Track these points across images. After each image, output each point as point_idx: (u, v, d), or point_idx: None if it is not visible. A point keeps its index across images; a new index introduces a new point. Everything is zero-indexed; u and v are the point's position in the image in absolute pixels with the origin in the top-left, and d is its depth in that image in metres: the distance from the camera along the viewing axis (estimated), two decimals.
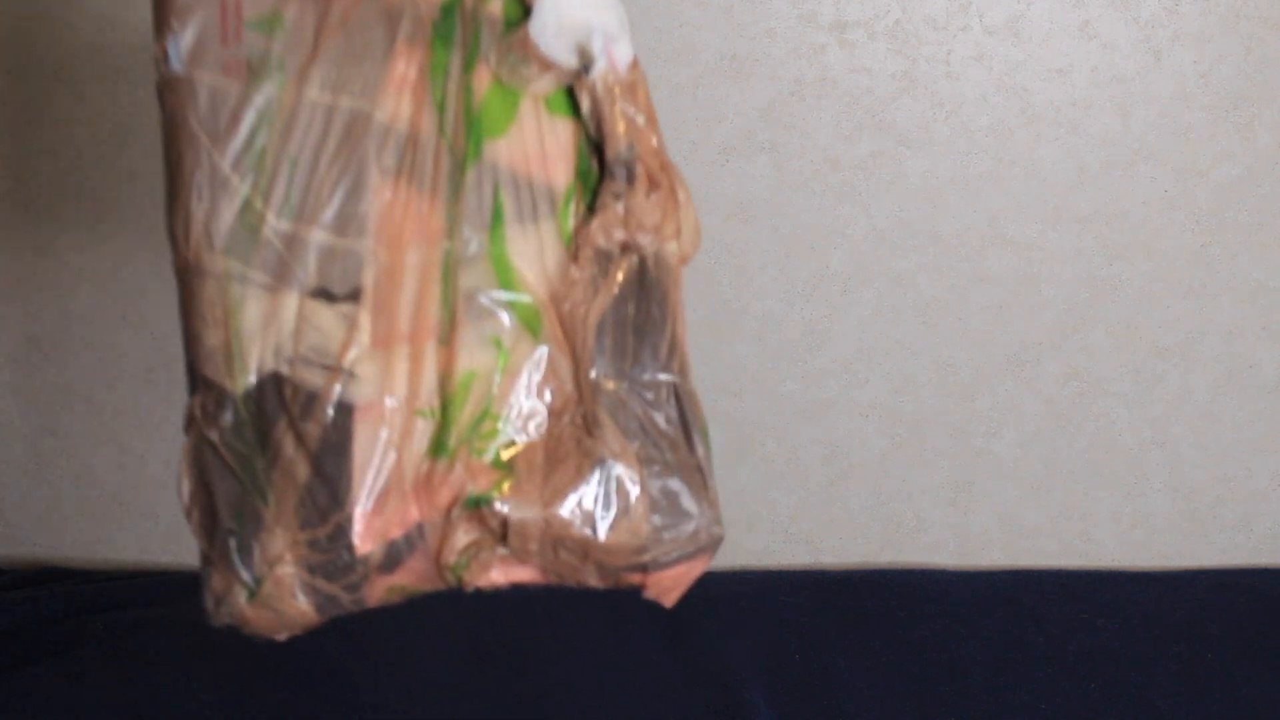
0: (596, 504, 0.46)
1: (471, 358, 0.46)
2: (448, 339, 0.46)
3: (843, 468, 1.04)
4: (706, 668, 0.86)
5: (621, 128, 0.47)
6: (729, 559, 1.07)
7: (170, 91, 0.46)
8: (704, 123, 0.94)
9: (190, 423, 0.46)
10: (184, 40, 0.45)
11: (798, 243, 0.97)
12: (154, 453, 1.05)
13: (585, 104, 0.47)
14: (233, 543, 0.45)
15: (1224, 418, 1.02)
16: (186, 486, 0.46)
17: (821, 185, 0.96)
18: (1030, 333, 1.00)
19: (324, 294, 0.45)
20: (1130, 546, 1.06)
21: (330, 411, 0.45)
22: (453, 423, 0.46)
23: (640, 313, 0.48)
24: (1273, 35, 0.92)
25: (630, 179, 0.47)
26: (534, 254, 0.47)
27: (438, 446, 0.46)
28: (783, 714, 0.82)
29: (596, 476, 0.46)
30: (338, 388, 0.45)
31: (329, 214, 0.45)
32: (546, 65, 0.47)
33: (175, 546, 1.07)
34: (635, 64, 0.48)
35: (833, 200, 0.96)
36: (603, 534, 0.46)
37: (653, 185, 0.48)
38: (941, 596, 0.97)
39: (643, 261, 0.48)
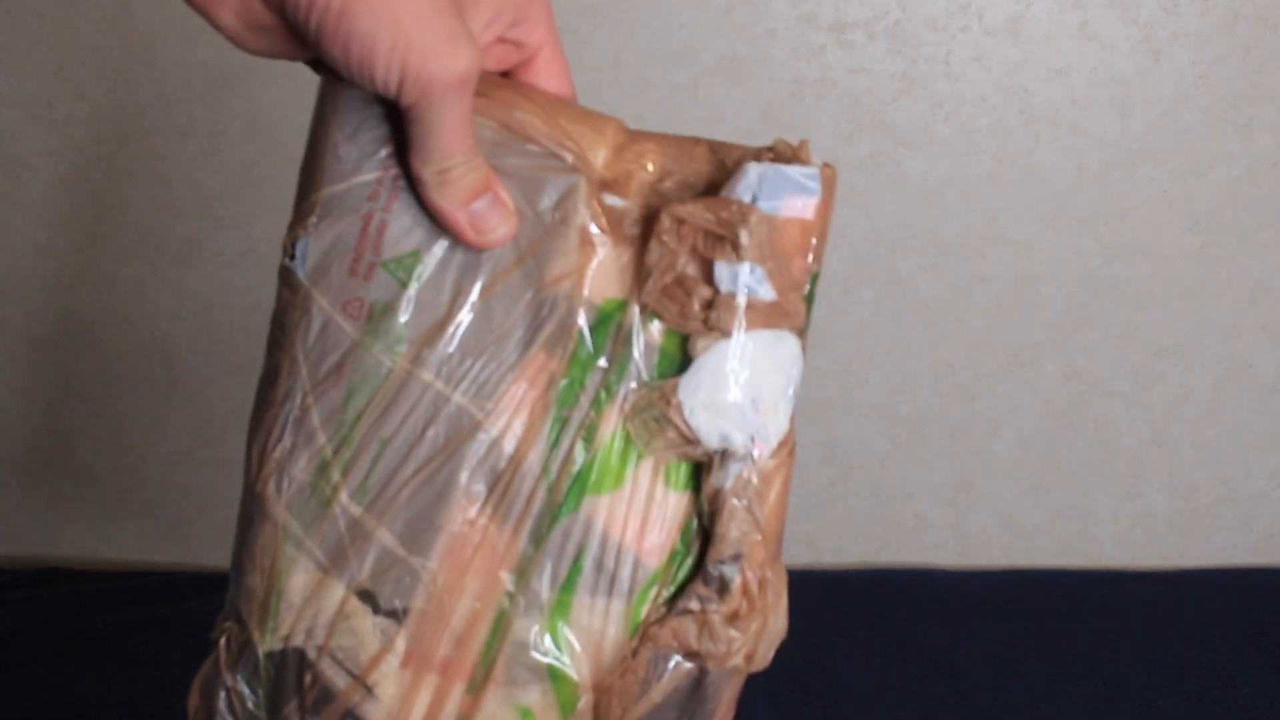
0: None
1: (493, 719, 0.42)
2: (478, 689, 0.41)
3: (843, 468, 1.04)
4: None
5: (735, 534, 0.42)
6: None
7: (287, 290, 0.41)
8: (704, 123, 0.94)
9: (215, 645, 0.43)
10: (315, 247, 0.40)
11: None
12: (154, 453, 1.05)
13: (707, 492, 0.41)
14: None
15: (1224, 418, 1.02)
16: (193, 703, 0.43)
17: None
18: (1030, 333, 1.00)
19: (370, 599, 0.41)
20: (1130, 546, 1.06)
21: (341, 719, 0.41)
22: None
23: None
24: (1272, 36, 0.92)
25: (724, 593, 0.42)
26: (596, 632, 0.42)
27: None
28: (783, 714, 0.82)
29: None
30: (355, 698, 0.41)
31: (401, 520, 0.41)
32: (686, 438, 0.41)
33: (175, 546, 1.07)
34: (785, 443, 0.43)
35: None
36: None
37: (746, 606, 0.42)
38: (941, 596, 0.97)
39: (703, 674, 0.42)
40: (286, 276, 0.41)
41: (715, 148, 0.41)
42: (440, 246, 0.40)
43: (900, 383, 1.02)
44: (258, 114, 0.94)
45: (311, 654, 0.41)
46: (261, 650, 0.41)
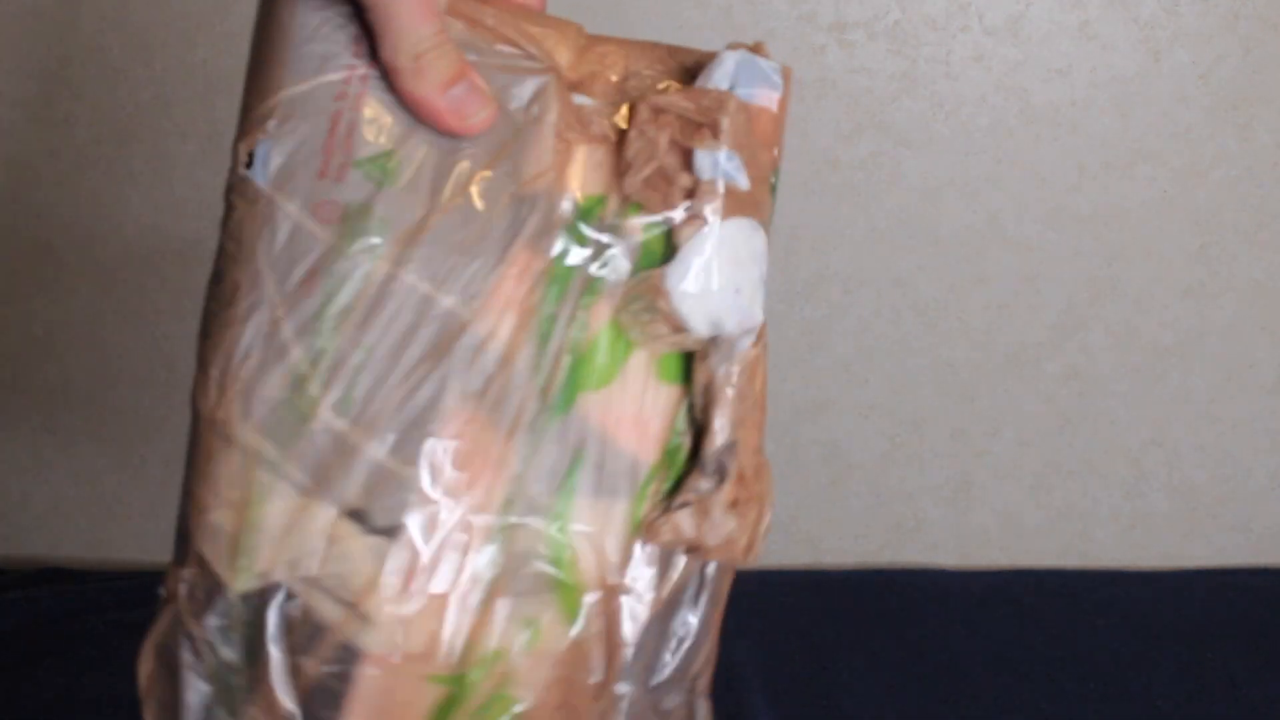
0: None
1: (502, 635, 0.40)
2: (483, 608, 0.40)
3: (843, 468, 1.04)
4: None
5: (729, 422, 0.41)
6: None
7: (243, 201, 0.38)
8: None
9: (170, 598, 0.39)
10: (277, 151, 0.38)
11: (798, 243, 0.98)
12: (154, 453, 1.05)
13: (700, 381, 0.41)
14: None
15: (1224, 418, 1.02)
16: (145, 669, 0.39)
17: (821, 185, 0.96)
18: (1030, 333, 1.00)
19: (361, 519, 0.38)
20: (1130, 546, 1.06)
21: (335, 653, 0.38)
22: (463, 700, 0.40)
23: (684, 625, 0.42)
24: (1272, 36, 0.92)
25: (721, 481, 0.41)
26: (599, 535, 0.40)
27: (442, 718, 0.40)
28: (783, 714, 0.82)
29: None
30: (350, 629, 0.38)
31: (391, 431, 0.38)
32: (676, 327, 0.40)
33: None
34: (762, 334, 0.42)
35: (833, 200, 0.96)
36: None
37: (742, 494, 0.41)
38: (941, 596, 0.97)
39: (703, 570, 0.42)
40: (242, 187, 0.39)
41: (673, 51, 0.42)
42: (415, 144, 0.39)
43: (900, 382, 1.02)
44: None
45: (297, 587, 0.38)
46: (233, 592, 0.38)
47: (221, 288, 0.38)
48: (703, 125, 0.40)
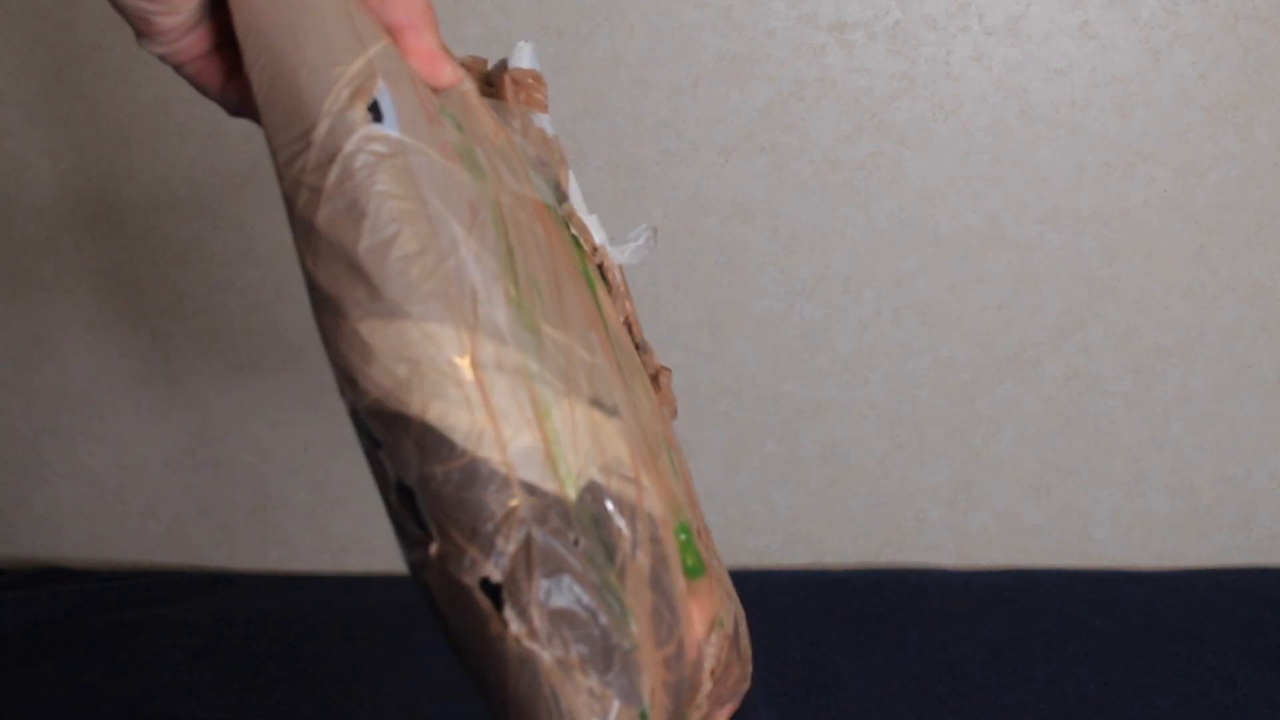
0: None
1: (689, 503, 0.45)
2: (674, 465, 0.45)
3: (843, 468, 1.04)
4: None
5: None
6: (729, 559, 1.06)
7: (381, 155, 0.36)
8: (704, 123, 0.94)
9: (505, 539, 0.36)
10: (394, 102, 0.38)
11: (798, 243, 0.98)
12: (154, 453, 1.05)
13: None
14: (618, 663, 0.37)
15: (1224, 418, 1.02)
16: (535, 624, 0.36)
17: (821, 185, 0.96)
18: (1030, 333, 1.00)
19: (600, 406, 0.40)
20: (1130, 546, 1.06)
21: (648, 529, 0.40)
22: (693, 543, 0.43)
23: None
24: (1272, 36, 0.92)
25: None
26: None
27: (693, 567, 0.42)
28: (783, 714, 0.82)
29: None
30: (643, 501, 0.40)
31: (576, 328, 0.41)
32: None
33: (175, 546, 1.07)
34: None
35: (833, 200, 0.96)
36: None
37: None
38: (941, 596, 0.97)
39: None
40: (380, 139, 0.36)
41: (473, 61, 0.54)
42: (443, 96, 0.43)
43: (900, 382, 1.02)
44: None
45: (599, 478, 0.39)
46: (571, 502, 0.37)
47: (398, 242, 0.36)
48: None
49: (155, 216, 0.98)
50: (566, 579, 0.36)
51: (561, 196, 0.49)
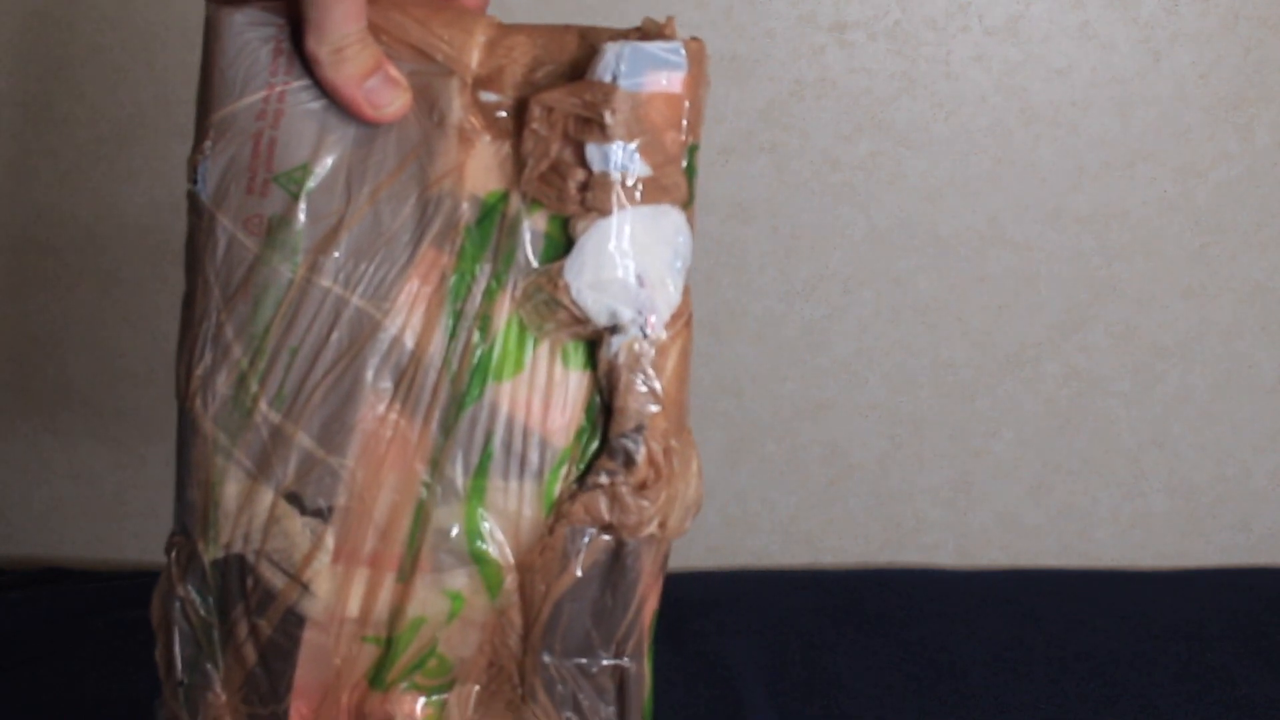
0: None
1: (425, 605, 0.44)
2: (407, 578, 0.44)
3: (843, 468, 1.04)
4: (707, 667, 0.86)
5: (634, 406, 0.43)
6: (729, 559, 1.07)
7: (195, 214, 0.43)
8: (704, 123, 0.94)
9: (168, 561, 0.46)
10: (213, 170, 0.42)
11: (798, 243, 0.98)
12: (154, 453, 1.05)
13: (602, 369, 0.43)
14: (181, 694, 0.46)
15: (1224, 418, 1.02)
16: (156, 616, 0.46)
17: (821, 185, 0.96)
18: (1030, 333, 1.00)
19: (296, 501, 0.43)
20: (1130, 546, 1.06)
21: (283, 617, 0.44)
22: (395, 659, 0.44)
23: (604, 597, 0.44)
24: (1272, 36, 0.92)
25: (629, 465, 0.43)
26: (512, 514, 0.44)
27: (377, 677, 0.45)
28: (783, 714, 0.82)
29: None
30: (294, 596, 0.44)
31: (316, 423, 0.43)
32: (575, 318, 0.42)
33: None
34: (679, 315, 0.43)
35: (833, 200, 0.96)
36: None
37: (653, 475, 0.43)
38: (941, 596, 0.97)
39: (620, 545, 0.44)
40: (192, 201, 0.43)
41: (585, 33, 0.43)
42: (327, 157, 0.42)
43: (900, 382, 1.02)
44: None
45: (250, 558, 0.44)
46: (207, 559, 0.44)
47: (186, 295, 0.44)
48: (591, 120, 0.41)
49: (155, 217, 0.98)
50: (175, 612, 0.45)
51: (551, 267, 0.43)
